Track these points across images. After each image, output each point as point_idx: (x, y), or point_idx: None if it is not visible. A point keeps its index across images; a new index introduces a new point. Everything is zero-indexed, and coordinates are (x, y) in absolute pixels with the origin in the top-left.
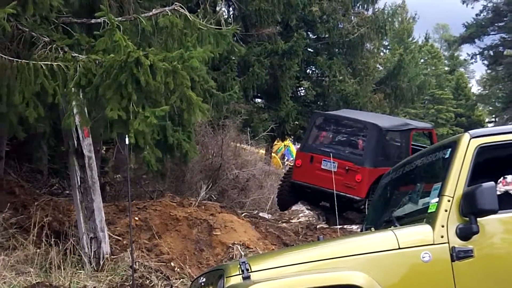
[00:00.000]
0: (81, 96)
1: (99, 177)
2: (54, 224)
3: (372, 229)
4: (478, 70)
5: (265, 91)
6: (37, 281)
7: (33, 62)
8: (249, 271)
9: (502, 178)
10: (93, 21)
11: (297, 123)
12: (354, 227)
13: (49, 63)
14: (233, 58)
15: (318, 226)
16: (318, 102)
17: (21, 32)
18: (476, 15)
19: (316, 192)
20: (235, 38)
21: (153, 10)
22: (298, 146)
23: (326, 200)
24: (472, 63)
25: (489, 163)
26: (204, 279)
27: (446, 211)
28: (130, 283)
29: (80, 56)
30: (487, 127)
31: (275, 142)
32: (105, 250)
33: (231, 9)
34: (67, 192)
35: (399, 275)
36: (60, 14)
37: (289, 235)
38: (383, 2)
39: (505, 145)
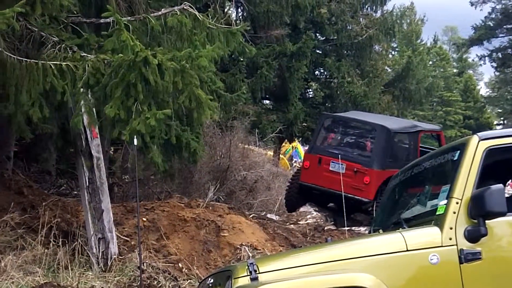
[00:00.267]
0: (89, 96)
1: (107, 177)
2: (62, 224)
3: (380, 231)
4: (486, 72)
5: (274, 92)
6: (45, 281)
7: (42, 61)
8: (257, 272)
9: (510, 180)
10: (102, 21)
11: (305, 124)
12: (362, 229)
13: (58, 62)
14: (242, 59)
15: (326, 228)
16: (327, 104)
17: (30, 32)
18: (485, 17)
19: (324, 194)
20: (244, 39)
21: (162, 9)
22: (306, 148)
23: (334, 201)
24: (480, 65)
25: (498, 165)
26: (212, 280)
27: (454, 213)
28: (138, 283)
29: (89, 56)
30: (496, 129)
31: (283, 144)
32: (113, 250)
33: (239, 10)
34: (75, 192)
35: (407, 277)
36: (69, 14)
37: (297, 237)
38: (391, 4)
39: None
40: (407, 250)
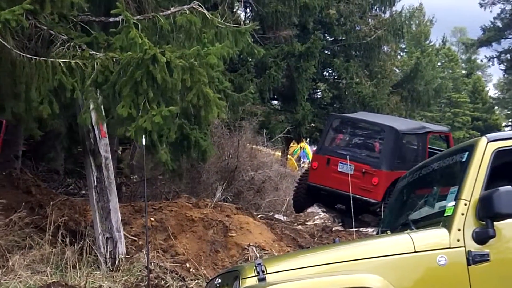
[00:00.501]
0: (98, 94)
1: (115, 177)
2: (70, 223)
3: (388, 232)
4: (495, 74)
5: (282, 93)
6: (52, 280)
7: (51, 59)
8: (265, 272)
9: None
10: (111, 19)
11: (314, 125)
12: (370, 230)
13: (67, 60)
14: (250, 60)
15: (333, 229)
16: (335, 105)
17: (39, 30)
18: (494, 18)
19: (332, 195)
20: (253, 39)
21: (172, 8)
22: (314, 148)
23: (342, 202)
24: (489, 66)
25: (506, 167)
26: (219, 280)
27: (462, 214)
28: (146, 283)
29: (97, 54)
30: (504, 131)
31: (291, 144)
32: (120, 250)
33: (248, 10)
34: (83, 192)
35: (414, 279)
36: (79, 13)
37: (305, 237)
38: (400, 4)
39: None
40: (415, 252)
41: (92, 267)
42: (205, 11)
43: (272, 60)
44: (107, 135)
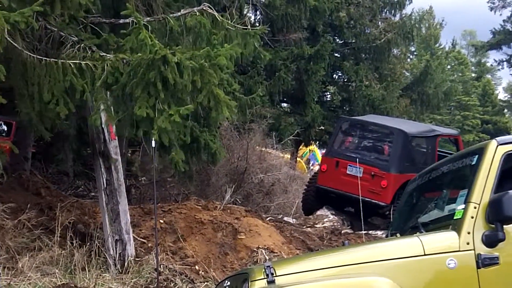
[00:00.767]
0: (108, 95)
1: (124, 179)
2: (80, 225)
3: (398, 235)
4: (505, 77)
5: (291, 95)
6: (62, 282)
7: (62, 61)
8: (274, 275)
9: None
10: (121, 21)
11: (323, 128)
12: (379, 232)
13: (77, 61)
14: (260, 62)
15: (342, 231)
16: (344, 107)
17: (49, 32)
18: (504, 21)
19: (341, 197)
20: (262, 43)
21: (182, 10)
22: (324, 151)
23: (351, 205)
24: (499, 69)
25: None
26: (228, 283)
27: (472, 218)
28: (155, 285)
29: (107, 55)
30: None
31: (301, 147)
32: (130, 252)
33: (258, 13)
34: (93, 194)
35: (424, 282)
36: (88, 14)
37: (314, 240)
38: (410, 7)
39: None
40: (425, 255)
41: (101, 269)
42: (215, 13)
43: (281, 62)
44: (116, 138)
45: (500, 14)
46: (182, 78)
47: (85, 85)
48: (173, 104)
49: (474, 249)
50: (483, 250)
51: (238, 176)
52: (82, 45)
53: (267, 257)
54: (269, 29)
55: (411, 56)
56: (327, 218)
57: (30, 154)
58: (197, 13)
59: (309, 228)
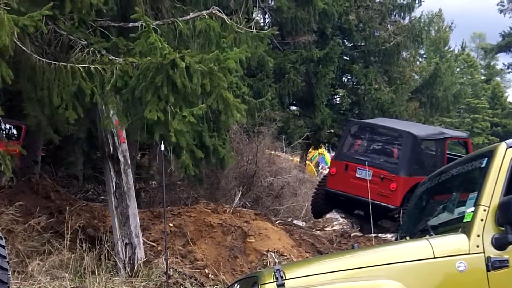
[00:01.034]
0: (117, 99)
1: (134, 183)
2: (89, 229)
3: (407, 238)
4: None
5: (301, 98)
6: (71, 286)
7: (71, 64)
8: (283, 278)
9: None
10: (130, 24)
11: (332, 131)
12: (389, 235)
13: (87, 65)
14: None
15: (352, 234)
16: (354, 110)
17: (58, 36)
18: None
19: (351, 200)
20: (270, 46)
21: (191, 13)
22: (333, 154)
23: (361, 208)
24: (508, 72)
25: None
26: (238, 286)
27: (482, 220)
28: None
29: (117, 59)
30: None
31: (310, 150)
32: (139, 256)
33: (266, 16)
34: (102, 197)
35: (434, 284)
36: (97, 18)
37: (323, 243)
38: (419, 10)
39: None
40: (434, 257)
41: (111, 273)
42: (224, 16)
43: (291, 65)
44: (126, 141)
45: (510, 17)
46: (191, 81)
47: (94, 89)
48: (184, 107)
49: (484, 252)
50: (492, 253)
51: (248, 179)
52: (92, 48)
53: (277, 261)
54: (278, 32)
55: (420, 59)
56: (336, 221)
57: (39, 157)
58: (206, 17)
59: (318, 231)
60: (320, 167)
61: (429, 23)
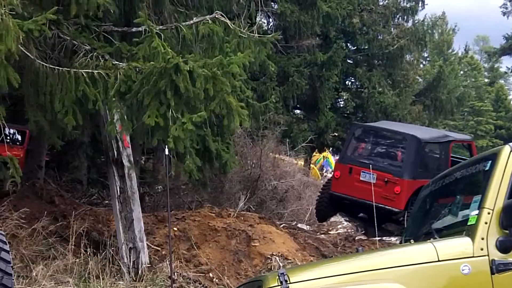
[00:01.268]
0: (121, 104)
1: (138, 187)
2: (93, 233)
3: (411, 241)
4: None
5: (304, 102)
6: None
7: (74, 70)
8: (288, 282)
9: None
10: (134, 29)
11: (336, 134)
12: (393, 239)
13: (90, 70)
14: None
15: (356, 238)
16: (357, 114)
17: (62, 41)
18: None
19: (355, 204)
20: (274, 50)
21: (194, 18)
22: (337, 158)
23: (365, 211)
24: None
25: None
26: None
27: (486, 223)
28: None
29: (120, 64)
30: None
31: (314, 153)
32: (144, 260)
33: (270, 20)
34: (106, 202)
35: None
36: (101, 23)
37: (328, 247)
38: (423, 13)
39: None
40: (439, 261)
41: (115, 277)
42: (228, 21)
43: (294, 69)
44: (130, 145)
45: None
46: (194, 86)
47: (98, 94)
48: (186, 112)
49: (488, 255)
50: (497, 256)
51: (252, 183)
52: (95, 53)
53: (281, 264)
54: (281, 36)
55: (424, 62)
56: (341, 224)
57: (43, 162)
58: (210, 21)
59: (323, 235)
60: (324, 171)
61: (433, 26)
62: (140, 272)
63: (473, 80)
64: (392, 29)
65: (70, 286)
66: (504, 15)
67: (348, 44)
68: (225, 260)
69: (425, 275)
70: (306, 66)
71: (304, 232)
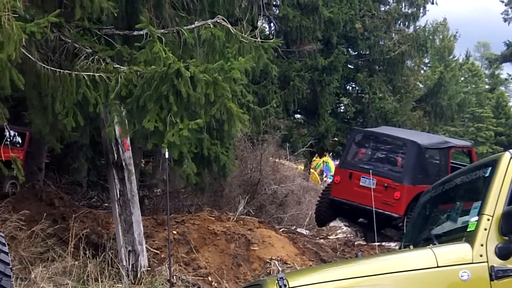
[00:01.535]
0: (121, 107)
1: (138, 190)
2: (93, 236)
3: (411, 246)
4: None
5: (305, 106)
6: None
7: (75, 72)
8: (287, 286)
9: None
10: (135, 33)
11: (336, 139)
12: (392, 244)
13: (91, 73)
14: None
15: (356, 243)
16: (358, 119)
17: (63, 43)
18: None
19: (355, 209)
20: (275, 54)
21: (196, 22)
22: (337, 162)
23: (364, 217)
24: None
25: None
26: None
27: (485, 230)
28: None
29: (121, 67)
30: None
31: (314, 158)
32: (143, 263)
33: (272, 25)
34: (106, 204)
35: None
36: (102, 26)
37: (327, 251)
38: (424, 19)
39: None
40: (438, 267)
41: (114, 280)
42: (229, 26)
43: (295, 74)
44: (130, 148)
45: None
46: (195, 91)
47: (99, 97)
48: (185, 117)
49: (487, 261)
50: (496, 262)
51: (252, 187)
52: (96, 57)
53: (280, 269)
54: (283, 41)
55: (424, 68)
56: (340, 229)
57: (43, 164)
58: (211, 26)
59: (322, 240)
60: (324, 175)
61: (434, 32)
62: (139, 275)
63: (473, 86)
64: (393, 34)
65: None
66: (505, 22)
67: (349, 49)
68: (224, 264)
69: (424, 281)
70: (307, 71)
71: (304, 237)
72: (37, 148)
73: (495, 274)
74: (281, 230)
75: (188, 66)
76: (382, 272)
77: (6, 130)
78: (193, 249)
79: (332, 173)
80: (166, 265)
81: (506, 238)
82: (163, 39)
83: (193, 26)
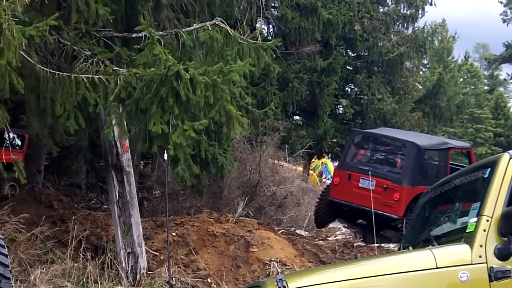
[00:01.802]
0: (120, 109)
1: (137, 192)
2: (92, 238)
3: (410, 248)
4: None
5: (304, 108)
6: None
7: (75, 75)
8: None
9: None
10: (134, 35)
11: (335, 140)
12: (392, 245)
13: (90, 76)
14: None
15: (355, 244)
16: (357, 120)
17: (62, 46)
18: None
19: (354, 210)
20: (274, 55)
21: (194, 25)
22: (336, 164)
23: (364, 218)
24: (511, 82)
25: None
26: None
27: (484, 231)
28: None
29: (120, 69)
30: None
31: (313, 159)
32: (142, 265)
33: (270, 26)
34: (105, 206)
35: None
36: (101, 28)
37: (326, 253)
38: (423, 21)
39: None
40: (437, 268)
41: (114, 282)
42: (228, 28)
43: (294, 75)
44: (129, 150)
45: None
46: (194, 93)
47: (98, 100)
48: (186, 120)
49: (486, 262)
50: (495, 263)
51: (251, 188)
52: (95, 59)
53: (279, 270)
54: (281, 42)
55: (423, 69)
56: (339, 231)
57: (43, 166)
58: (210, 28)
59: (321, 241)
60: (323, 177)
61: (433, 33)
62: (138, 277)
63: (472, 87)
64: (392, 36)
65: None
66: (504, 23)
67: (348, 50)
68: (223, 265)
69: (423, 282)
70: (306, 72)
71: (303, 238)
72: (36, 150)
73: (494, 275)
74: (280, 231)
75: (188, 68)
76: (382, 273)
77: (6, 133)
78: (192, 251)
79: (331, 174)
80: (166, 267)
81: (505, 239)
82: (162, 41)
83: (191, 28)
